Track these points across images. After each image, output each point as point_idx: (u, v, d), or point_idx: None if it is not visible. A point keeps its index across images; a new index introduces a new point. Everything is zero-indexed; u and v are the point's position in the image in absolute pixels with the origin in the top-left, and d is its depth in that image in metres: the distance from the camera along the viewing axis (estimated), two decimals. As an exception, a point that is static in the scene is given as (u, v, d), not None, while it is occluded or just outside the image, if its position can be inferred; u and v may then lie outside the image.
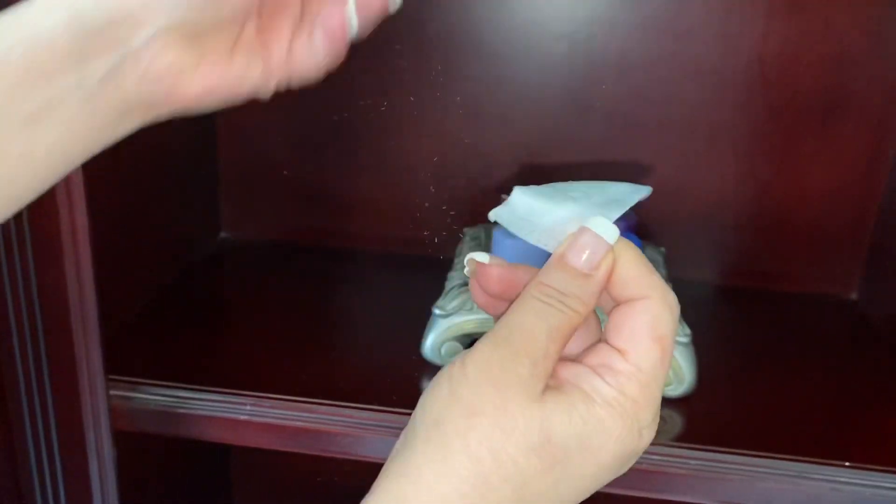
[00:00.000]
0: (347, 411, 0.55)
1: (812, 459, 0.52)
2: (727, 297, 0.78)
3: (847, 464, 0.52)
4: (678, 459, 0.53)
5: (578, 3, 0.72)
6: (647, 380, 0.27)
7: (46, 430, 0.55)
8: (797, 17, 0.70)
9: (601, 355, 0.28)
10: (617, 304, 0.29)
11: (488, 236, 0.70)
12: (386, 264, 0.81)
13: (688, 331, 0.58)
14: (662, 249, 0.71)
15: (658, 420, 0.29)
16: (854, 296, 0.78)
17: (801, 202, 0.76)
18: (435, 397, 0.28)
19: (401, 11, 0.34)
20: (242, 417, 0.55)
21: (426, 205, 0.81)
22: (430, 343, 0.60)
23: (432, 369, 0.60)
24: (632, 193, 0.30)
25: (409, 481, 0.27)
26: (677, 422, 0.57)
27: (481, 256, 0.31)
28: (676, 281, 0.67)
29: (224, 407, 0.55)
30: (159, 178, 0.69)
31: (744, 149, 0.75)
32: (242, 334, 0.66)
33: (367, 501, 0.27)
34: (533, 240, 0.31)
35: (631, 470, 0.57)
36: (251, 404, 0.55)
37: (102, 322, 0.53)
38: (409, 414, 0.54)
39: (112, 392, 0.55)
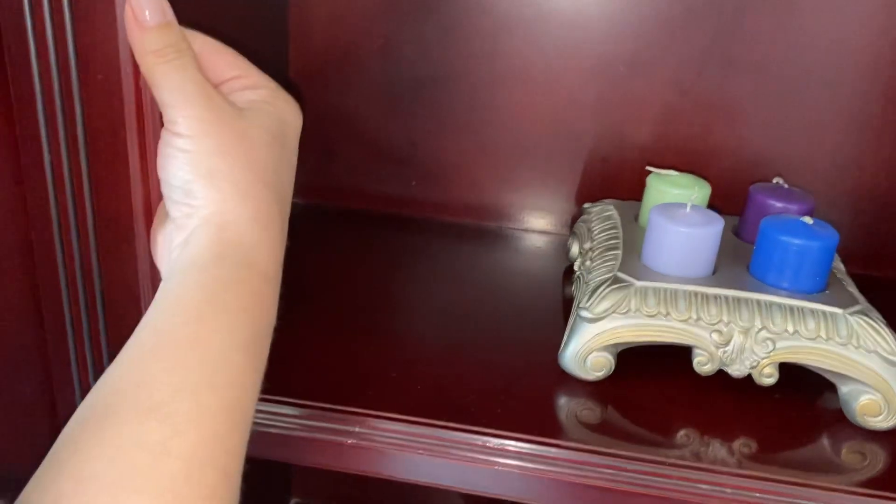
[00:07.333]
0: (463, 436, 0.44)
1: None
2: None
3: None
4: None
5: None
6: (258, 71, 0.39)
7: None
8: None
9: (241, 87, 0.38)
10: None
11: (624, 215, 0.58)
12: (481, 239, 0.69)
13: (904, 350, 0.46)
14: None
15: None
16: None
17: None
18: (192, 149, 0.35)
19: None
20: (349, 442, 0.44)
21: (530, 171, 0.69)
22: (573, 351, 0.48)
23: (572, 384, 0.49)
24: None
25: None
26: (879, 461, 0.45)
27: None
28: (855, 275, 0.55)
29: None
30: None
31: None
32: (307, 324, 0.55)
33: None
34: None
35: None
36: (359, 425, 0.44)
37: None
38: (548, 443, 0.43)
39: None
